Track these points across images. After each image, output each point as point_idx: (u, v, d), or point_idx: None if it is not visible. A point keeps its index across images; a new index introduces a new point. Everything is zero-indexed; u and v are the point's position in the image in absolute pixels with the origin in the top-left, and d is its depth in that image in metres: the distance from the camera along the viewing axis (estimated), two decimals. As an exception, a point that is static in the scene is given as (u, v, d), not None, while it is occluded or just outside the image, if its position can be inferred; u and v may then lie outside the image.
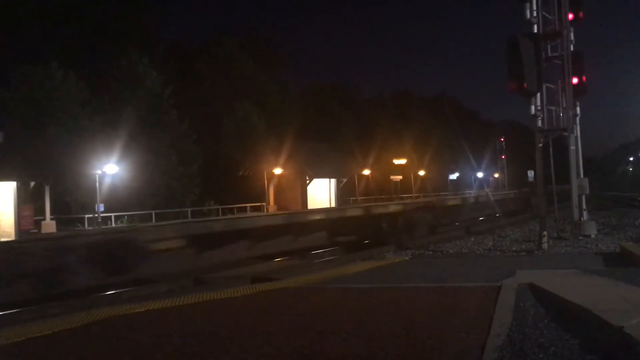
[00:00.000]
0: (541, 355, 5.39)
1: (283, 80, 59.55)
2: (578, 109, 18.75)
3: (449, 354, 5.68)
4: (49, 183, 29.19)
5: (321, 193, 48.32)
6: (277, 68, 60.61)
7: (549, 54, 18.29)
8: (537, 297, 8.27)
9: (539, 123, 17.18)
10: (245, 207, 42.39)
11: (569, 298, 7.59)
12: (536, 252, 15.40)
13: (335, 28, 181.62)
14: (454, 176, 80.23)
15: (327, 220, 41.46)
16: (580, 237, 17.11)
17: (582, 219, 18.25)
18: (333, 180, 48.76)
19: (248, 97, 49.19)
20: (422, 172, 69.37)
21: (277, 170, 44.42)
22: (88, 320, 8.29)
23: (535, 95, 16.84)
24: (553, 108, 18.11)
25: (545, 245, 15.80)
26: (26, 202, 28.27)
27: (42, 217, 28.78)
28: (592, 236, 17.49)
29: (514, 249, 16.63)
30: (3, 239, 25.86)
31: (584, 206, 18.78)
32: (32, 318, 13.75)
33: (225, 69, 51.58)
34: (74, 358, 6.32)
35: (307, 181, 45.96)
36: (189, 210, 38.41)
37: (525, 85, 15.41)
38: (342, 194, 50.90)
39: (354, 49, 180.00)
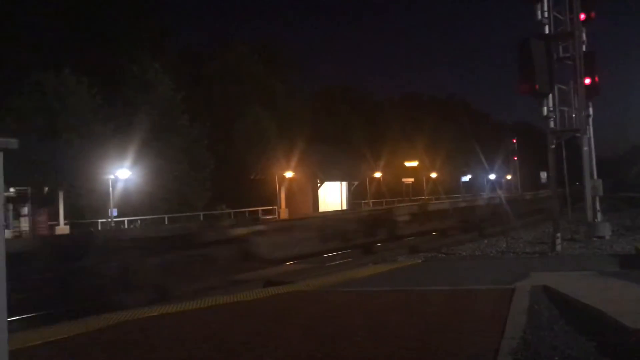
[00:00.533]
0: (556, 358, 5.35)
1: (293, 83, 59.70)
2: (591, 109, 18.59)
3: (463, 357, 5.65)
4: (63, 188, 29.46)
5: (332, 196, 48.32)
6: (287, 72, 60.76)
7: (561, 55, 18.16)
8: (552, 299, 8.21)
9: (551, 124, 17.07)
10: (257, 210, 42.49)
11: (584, 300, 7.53)
12: (550, 254, 15.28)
13: (345, 31, 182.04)
14: (466, 178, 79.85)
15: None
16: (594, 239, 16.95)
17: (595, 220, 18.09)
18: (344, 183, 48.77)
19: (258, 101, 49.38)
20: (434, 175, 69.15)
21: (289, 174, 44.50)
22: (102, 324, 8.35)
23: (547, 97, 16.74)
24: (565, 109, 17.96)
25: (558, 247, 15.68)
26: (40, 207, 28.57)
27: (56, 222, 29.04)
28: (607, 237, 17.32)
29: (527, 250, 16.50)
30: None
31: (598, 207, 18.62)
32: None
33: (235, 73, 51.81)
34: (89, 362, 6.37)
35: (319, 184, 45.99)
36: (201, 214, 38.59)
37: (537, 86, 15.33)
38: (354, 197, 50.86)
39: (363, 52, 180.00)
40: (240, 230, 28.07)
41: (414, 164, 62.06)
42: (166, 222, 34.91)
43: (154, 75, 40.11)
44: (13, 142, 3.30)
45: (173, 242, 24.35)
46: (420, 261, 15.59)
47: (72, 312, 11.90)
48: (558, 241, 15.83)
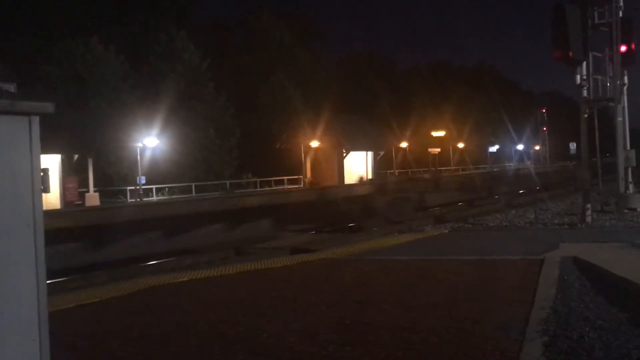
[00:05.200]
0: (587, 329, 5.30)
1: (319, 52, 59.11)
2: (626, 78, 18.04)
3: (492, 326, 5.63)
4: (92, 156, 29.87)
5: (358, 166, 48.14)
6: (313, 40, 60.14)
7: (596, 21, 17.56)
8: (582, 270, 8.13)
9: (585, 93, 16.65)
10: (283, 179, 42.64)
11: (615, 272, 7.43)
12: (579, 225, 15.09)
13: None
14: (493, 149, 78.68)
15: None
16: (626, 211, 16.64)
17: (627, 191, 17.73)
18: (370, 153, 48.43)
19: (284, 69, 49.07)
20: (461, 145, 68.35)
21: (314, 143, 44.35)
22: (134, 288, 8.53)
23: (580, 64, 16.29)
24: (599, 77, 17.48)
25: (589, 219, 15.47)
26: (70, 174, 29.05)
27: (85, 189, 29.51)
28: (638, 210, 17.01)
29: (556, 222, 16.32)
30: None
31: (630, 179, 18.23)
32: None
33: (261, 41, 51.47)
34: (121, 324, 6.52)
35: (344, 154, 45.81)
36: (228, 182, 38.88)
37: (570, 53, 14.93)
38: (379, 166, 50.64)
39: (390, 19, 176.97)
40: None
41: (441, 133, 61.30)
42: (194, 191, 35.24)
43: (180, 43, 40.04)
44: (49, 107, 3.32)
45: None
46: (447, 231, 15.53)
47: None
48: (588, 212, 15.60)
